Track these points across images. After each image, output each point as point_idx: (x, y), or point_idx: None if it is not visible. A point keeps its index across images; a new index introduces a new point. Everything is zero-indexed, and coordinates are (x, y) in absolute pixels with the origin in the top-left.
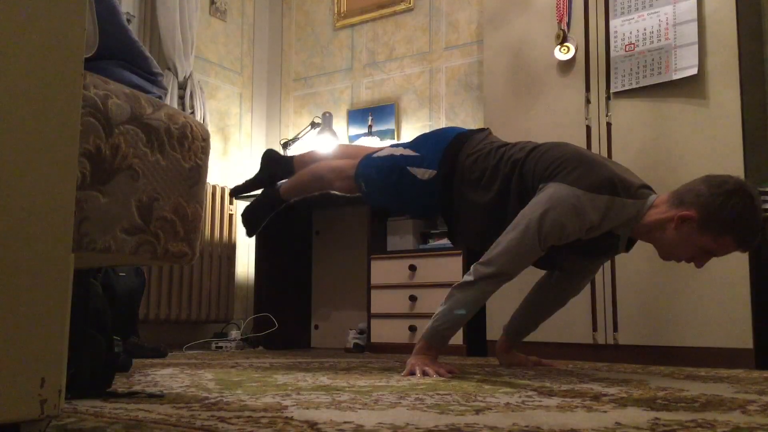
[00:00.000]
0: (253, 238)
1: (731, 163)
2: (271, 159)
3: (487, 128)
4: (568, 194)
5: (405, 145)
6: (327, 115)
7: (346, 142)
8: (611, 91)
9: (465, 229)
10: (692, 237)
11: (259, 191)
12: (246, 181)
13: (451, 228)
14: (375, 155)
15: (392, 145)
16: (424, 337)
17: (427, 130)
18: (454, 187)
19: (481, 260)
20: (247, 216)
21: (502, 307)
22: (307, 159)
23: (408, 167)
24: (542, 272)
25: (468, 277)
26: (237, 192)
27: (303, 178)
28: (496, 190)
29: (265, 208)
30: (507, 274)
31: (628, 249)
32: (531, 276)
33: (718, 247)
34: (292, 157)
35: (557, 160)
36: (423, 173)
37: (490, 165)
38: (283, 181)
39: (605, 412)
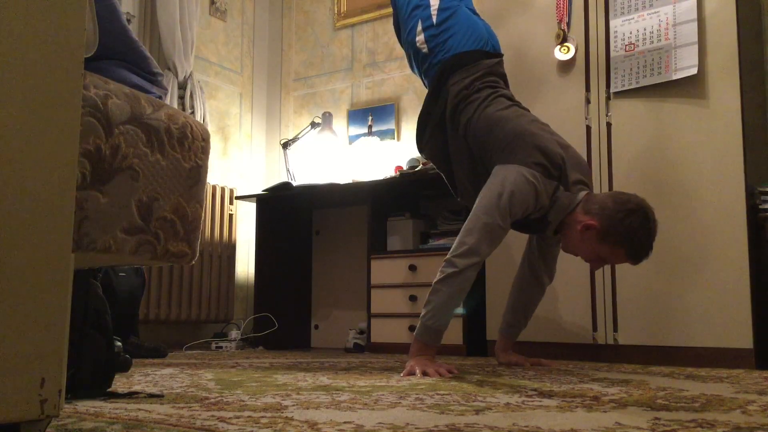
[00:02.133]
0: (253, 238)
1: (731, 163)
2: None
3: (501, 56)
4: (529, 176)
5: (441, 2)
6: (327, 115)
7: (346, 142)
8: (611, 91)
9: (428, 141)
10: (591, 243)
11: None
12: None
13: (420, 132)
14: None
15: None
16: (419, 338)
17: None
18: (439, 98)
19: (458, 251)
20: None
21: (501, 307)
22: None
23: (419, 19)
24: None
25: (450, 269)
26: None
27: None
28: (462, 133)
29: None
30: (486, 257)
31: (554, 237)
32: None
33: (611, 256)
34: None
35: (516, 140)
36: (421, 42)
37: (460, 108)
38: None
39: (605, 412)
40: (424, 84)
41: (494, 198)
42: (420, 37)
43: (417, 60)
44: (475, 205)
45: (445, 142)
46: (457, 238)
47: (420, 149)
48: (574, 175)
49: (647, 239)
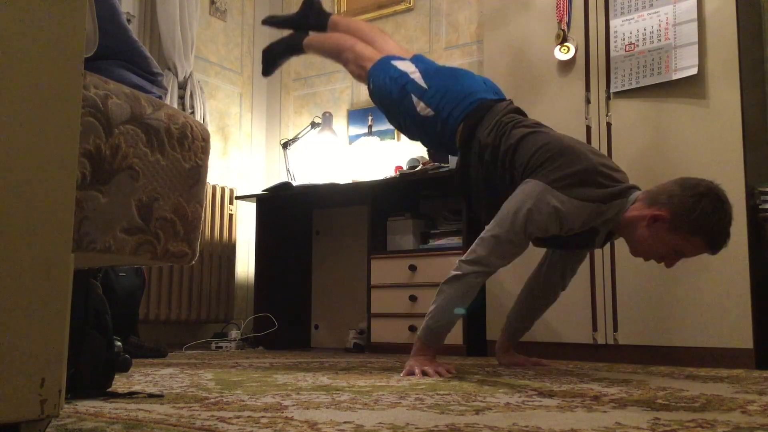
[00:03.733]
0: (253, 238)
1: (731, 163)
2: (311, 7)
3: (509, 100)
4: (555, 199)
5: (422, 69)
6: (327, 115)
7: (346, 142)
8: (611, 91)
9: (474, 191)
10: (663, 236)
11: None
12: (282, 16)
13: (462, 183)
14: (393, 62)
15: (415, 59)
16: (420, 337)
17: None
18: (471, 152)
19: (466, 257)
20: (266, 53)
21: (501, 307)
22: (342, 25)
23: (412, 93)
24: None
25: (456, 272)
26: (270, 22)
27: (328, 42)
28: (500, 171)
29: (285, 49)
30: (494, 270)
31: (604, 244)
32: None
33: (687, 247)
34: (330, 15)
35: (544, 153)
36: (423, 108)
37: (498, 147)
38: (313, 34)
39: (605, 412)
40: (440, 148)
41: (511, 213)
42: (420, 105)
43: (426, 128)
44: (496, 215)
45: (476, 175)
46: (473, 244)
47: (476, 209)
48: (622, 177)
49: (724, 224)
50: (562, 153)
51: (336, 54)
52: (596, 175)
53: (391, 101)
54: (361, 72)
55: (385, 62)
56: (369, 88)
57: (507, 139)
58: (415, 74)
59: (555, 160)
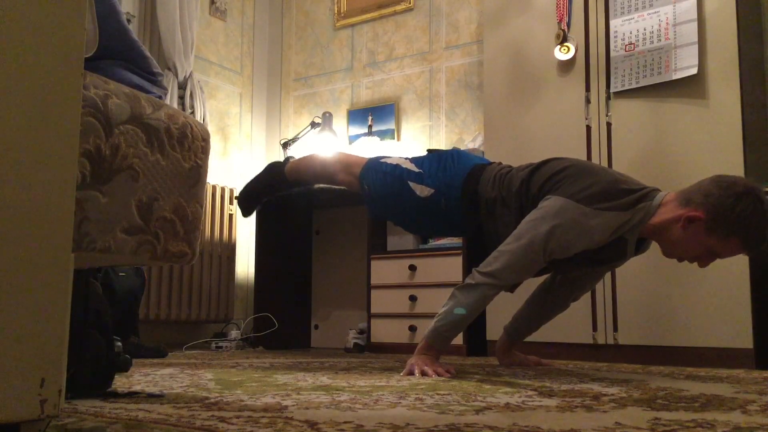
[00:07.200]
0: (253, 238)
1: (731, 162)
2: (271, 171)
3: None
4: (577, 212)
5: (411, 158)
6: (327, 115)
7: (346, 142)
8: (611, 91)
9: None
10: (699, 237)
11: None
12: (252, 188)
13: (482, 242)
14: (383, 160)
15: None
16: (426, 337)
17: (428, 131)
18: (479, 212)
19: (482, 268)
20: (244, 197)
21: (502, 307)
22: (302, 165)
23: (409, 182)
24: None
25: (470, 280)
26: (245, 199)
27: (310, 164)
28: (515, 213)
29: (264, 189)
30: (507, 284)
31: (638, 251)
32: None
33: (724, 248)
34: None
35: (561, 171)
36: (422, 190)
37: (509, 191)
38: (290, 161)
39: (605, 412)
40: (454, 229)
41: (531, 229)
42: (419, 188)
43: (432, 209)
44: (516, 229)
45: (497, 228)
46: (490, 255)
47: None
48: (641, 185)
49: (762, 225)
50: (579, 171)
51: (321, 171)
52: (617, 183)
53: (390, 197)
54: (352, 179)
55: (374, 161)
56: (365, 192)
57: (517, 180)
58: (407, 163)
59: (573, 176)
